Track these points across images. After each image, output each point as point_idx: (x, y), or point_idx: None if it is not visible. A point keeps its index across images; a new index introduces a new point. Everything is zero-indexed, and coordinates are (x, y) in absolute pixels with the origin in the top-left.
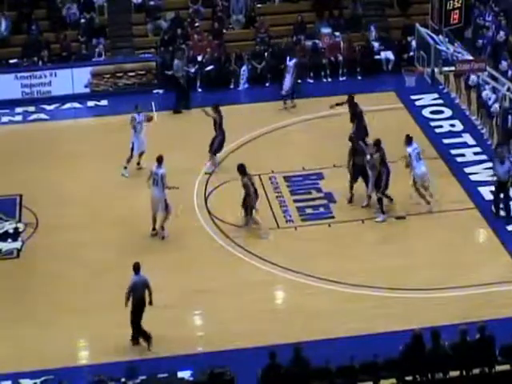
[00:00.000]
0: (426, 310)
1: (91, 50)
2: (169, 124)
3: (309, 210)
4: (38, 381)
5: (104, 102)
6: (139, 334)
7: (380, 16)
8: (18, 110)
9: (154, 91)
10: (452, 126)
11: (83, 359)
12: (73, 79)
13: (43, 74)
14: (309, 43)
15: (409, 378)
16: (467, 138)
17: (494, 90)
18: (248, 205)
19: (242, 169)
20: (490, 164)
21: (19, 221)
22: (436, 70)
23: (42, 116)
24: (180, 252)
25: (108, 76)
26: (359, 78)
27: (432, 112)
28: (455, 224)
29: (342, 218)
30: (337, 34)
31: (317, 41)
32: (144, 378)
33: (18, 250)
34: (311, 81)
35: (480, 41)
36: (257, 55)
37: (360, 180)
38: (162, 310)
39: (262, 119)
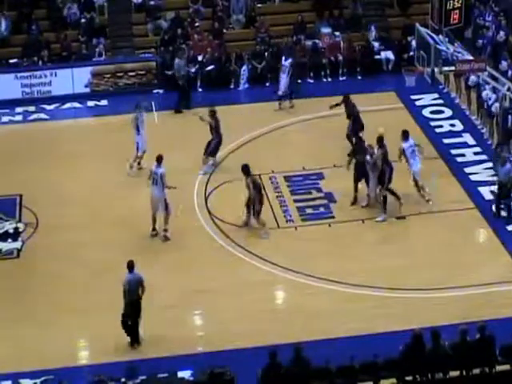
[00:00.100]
0: (425, 310)
1: (91, 49)
2: (169, 124)
3: (309, 210)
4: (38, 381)
5: (104, 102)
6: (130, 331)
7: (380, 16)
8: (18, 109)
9: (154, 91)
10: (452, 125)
11: (83, 359)
12: (73, 79)
13: (43, 73)
14: (309, 43)
15: (409, 378)
16: (467, 138)
17: (495, 90)
18: (250, 205)
19: (246, 169)
20: (490, 164)
21: (19, 221)
22: (436, 69)
23: (42, 116)
24: (180, 252)
25: (108, 76)
26: (359, 77)
27: (432, 112)
28: (455, 224)
29: (342, 217)
30: (337, 33)
31: (317, 41)
32: (144, 377)
33: (18, 250)
34: (311, 81)
35: (480, 41)
36: (257, 55)
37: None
38: (162, 309)
39: (262, 119)
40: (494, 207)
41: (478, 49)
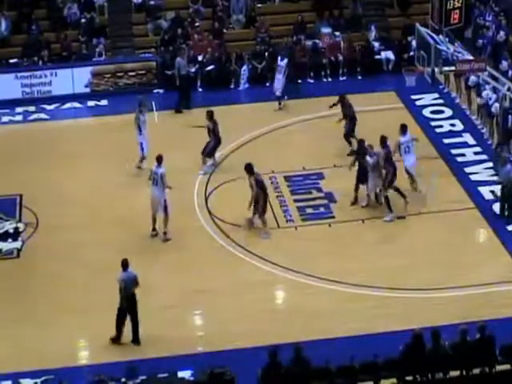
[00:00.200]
0: (425, 310)
1: (91, 49)
2: (169, 124)
3: (309, 210)
4: (38, 381)
5: (104, 102)
6: (119, 329)
7: (380, 16)
8: (19, 109)
9: (155, 91)
10: (452, 125)
11: (83, 359)
12: (73, 79)
13: (43, 73)
14: (309, 43)
15: (409, 378)
16: (467, 138)
17: (495, 90)
18: (256, 204)
19: (249, 168)
20: (490, 164)
21: (19, 221)
22: (436, 69)
23: (43, 116)
24: (180, 252)
25: (108, 76)
26: (359, 77)
27: (432, 112)
28: (455, 224)
29: (343, 217)
30: (337, 33)
31: (317, 41)
32: (144, 377)
33: (19, 250)
34: (311, 81)
35: (480, 41)
36: (257, 55)
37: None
38: (162, 309)
39: (262, 119)
40: (498, 208)
41: (478, 49)
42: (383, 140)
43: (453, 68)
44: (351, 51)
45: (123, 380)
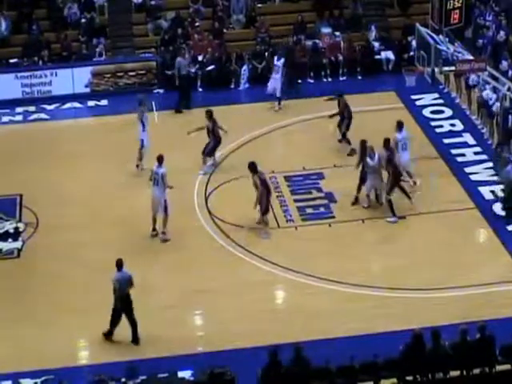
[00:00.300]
0: (425, 310)
1: (92, 49)
2: (169, 124)
3: (309, 210)
4: (38, 381)
5: (104, 102)
6: (112, 326)
7: (380, 16)
8: (19, 109)
9: (155, 91)
10: (452, 125)
11: (83, 359)
12: (73, 79)
13: (43, 73)
14: (309, 43)
15: (409, 378)
16: (467, 138)
17: (495, 90)
18: (261, 203)
19: (252, 166)
20: (490, 164)
21: (19, 221)
22: (436, 69)
23: (43, 116)
24: (180, 252)
25: (108, 76)
26: (359, 77)
27: (432, 112)
28: (455, 224)
29: (343, 217)
30: (337, 33)
31: (317, 41)
32: (144, 377)
33: (19, 250)
34: (311, 81)
35: (480, 40)
36: (257, 55)
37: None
38: (162, 309)
39: (262, 119)
40: (498, 208)
41: (479, 49)
42: (386, 142)
43: (453, 68)
44: (351, 51)
45: (123, 380)
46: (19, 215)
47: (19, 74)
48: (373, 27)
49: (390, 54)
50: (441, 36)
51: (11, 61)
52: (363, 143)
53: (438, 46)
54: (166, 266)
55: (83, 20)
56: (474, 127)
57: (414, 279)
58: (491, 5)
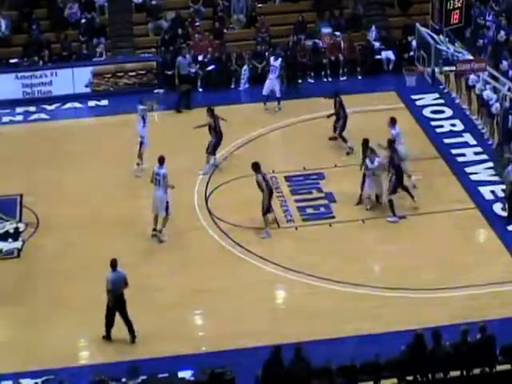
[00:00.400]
0: (426, 310)
1: (92, 49)
2: (169, 124)
3: (309, 210)
4: (38, 381)
5: (104, 102)
6: (110, 325)
7: (381, 16)
8: (19, 109)
9: (155, 91)
10: (453, 125)
11: (83, 359)
12: (73, 79)
13: (44, 73)
14: (309, 43)
15: (410, 378)
16: (468, 138)
17: (495, 90)
18: (262, 203)
19: (255, 166)
20: (490, 164)
21: (20, 221)
22: (436, 69)
23: (43, 116)
24: (180, 252)
25: (109, 76)
26: (360, 77)
27: (433, 112)
28: (455, 224)
29: (343, 217)
30: (337, 33)
31: (317, 40)
32: (145, 377)
33: (19, 250)
34: (311, 81)
35: (480, 40)
36: (257, 55)
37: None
38: (162, 309)
39: (262, 119)
40: (500, 208)
41: (479, 49)
42: (390, 143)
43: (453, 68)
44: (351, 51)
45: (124, 380)
46: (19, 215)
47: (19, 74)
48: (373, 27)
49: (390, 54)
50: (441, 36)
51: (11, 61)
52: (366, 142)
53: (438, 46)
54: (166, 265)
55: (83, 20)
56: (474, 127)
57: (414, 279)
58: (491, 5)
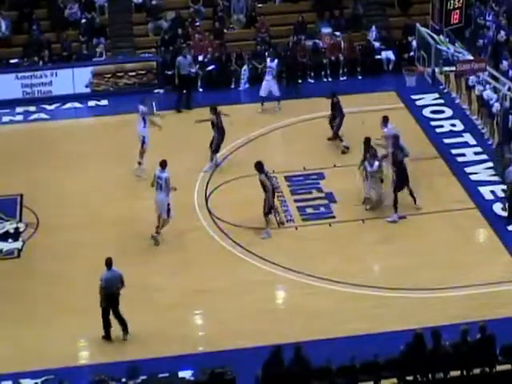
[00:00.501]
0: (426, 310)
1: (92, 49)
2: (169, 124)
3: (309, 210)
4: (38, 381)
5: (104, 102)
6: (106, 327)
7: (381, 16)
8: (19, 109)
9: (155, 91)
10: (453, 125)
11: (83, 359)
12: (73, 79)
13: (44, 73)
14: (309, 43)
15: (410, 378)
16: (468, 138)
17: (495, 90)
18: (266, 203)
19: (259, 166)
20: (490, 164)
21: (20, 221)
22: (436, 69)
23: (43, 116)
24: (180, 252)
25: (109, 76)
26: (360, 77)
27: (433, 112)
28: (455, 224)
29: (343, 217)
30: (337, 33)
31: (317, 41)
32: (145, 377)
33: (19, 250)
34: (311, 81)
35: (480, 41)
36: (257, 55)
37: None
38: (162, 309)
39: (262, 119)
40: (500, 208)
41: (479, 49)
42: (395, 139)
43: (453, 68)
44: (351, 51)
45: (124, 380)
46: (19, 215)
47: (19, 74)
48: (373, 27)
49: (390, 54)
50: (441, 36)
51: (12, 61)
52: (367, 141)
53: (439, 46)
54: (166, 266)
55: (83, 20)
56: (474, 127)
57: (414, 279)
58: (491, 5)
